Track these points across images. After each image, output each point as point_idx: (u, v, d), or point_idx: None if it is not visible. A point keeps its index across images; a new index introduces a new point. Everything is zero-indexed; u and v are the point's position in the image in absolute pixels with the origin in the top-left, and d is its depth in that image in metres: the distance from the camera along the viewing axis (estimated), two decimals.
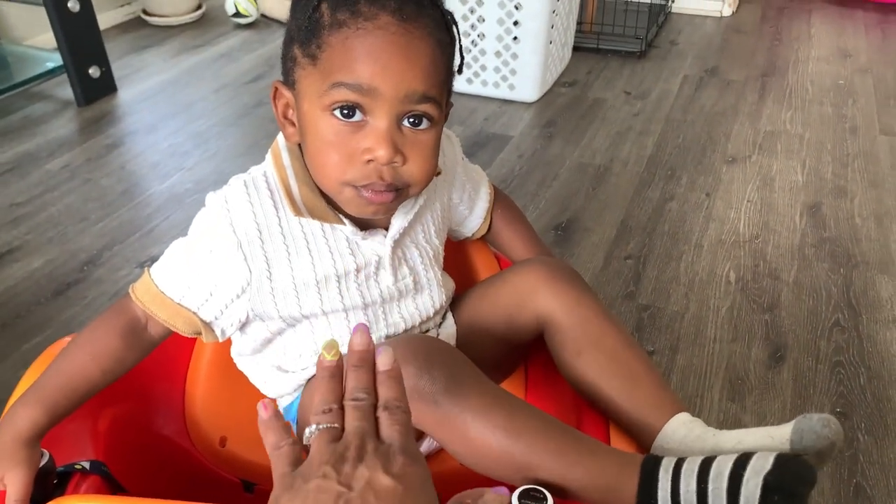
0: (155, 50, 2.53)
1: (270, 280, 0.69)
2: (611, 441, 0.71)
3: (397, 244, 0.73)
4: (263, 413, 0.48)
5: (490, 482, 0.62)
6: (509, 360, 0.85)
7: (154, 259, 0.71)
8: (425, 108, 0.63)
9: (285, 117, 0.68)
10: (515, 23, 2.07)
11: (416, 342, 0.66)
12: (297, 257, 0.69)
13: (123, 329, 0.69)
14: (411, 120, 0.63)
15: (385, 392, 0.49)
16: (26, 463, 0.62)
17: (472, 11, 2.10)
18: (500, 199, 0.89)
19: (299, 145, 0.69)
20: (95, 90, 2.13)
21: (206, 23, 2.77)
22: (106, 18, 2.61)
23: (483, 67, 2.16)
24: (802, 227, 1.62)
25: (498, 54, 2.13)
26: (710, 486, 0.60)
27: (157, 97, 2.20)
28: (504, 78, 2.16)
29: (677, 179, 1.80)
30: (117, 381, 0.70)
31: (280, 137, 0.71)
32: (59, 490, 0.64)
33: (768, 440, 0.65)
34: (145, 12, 2.73)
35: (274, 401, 0.54)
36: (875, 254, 1.53)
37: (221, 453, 0.85)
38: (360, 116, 0.62)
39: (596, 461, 0.63)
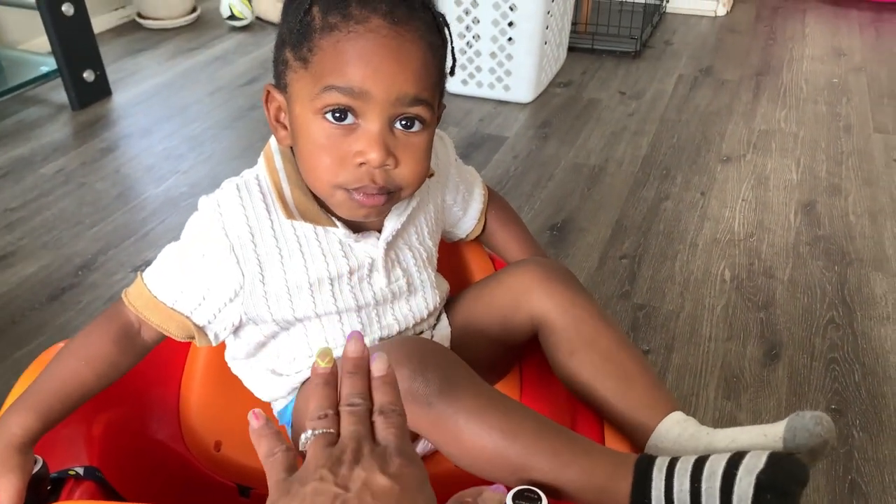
0: (149, 53, 2.53)
1: (263, 283, 0.69)
2: (605, 441, 0.71)
3: (390, 246, 0.73)
4: (255, 422, 0.48)
5: (485, 483, 0.63)
6: (504, 361, 0.85)
7: (149, 263, 0.71)
8: (417, 110, 0.63)
9: (277, 120, 0.68)
10: (510, 24, 2.08)
11: (409, 344, 0.66)
12: (289, 260, 0.69)
13: (117, 334, 0.69)
14: (403, 122, 0.63)
15: (380, 397, 0.49)
16: (19, 469, 0.61)
17: (466, 13, 2.10)
18: (494, 200, 0.89)
19: (291, 148, 0.69)
20: (90, 94, 2.13)
21: (201, 26, 2.77)
22: (100, 22, 2.60)
23: (478, 68, 2.16)
24: (797, 226, 1.62)
25: (493, 55, 2.13)
26: (704, 486, 0.60)
27: (152, 100, 2.20)
28: (499, 79, 2.16)
29: (672, 179, 1.80)
30: (111, 386, 0.70)
31: (272, 140, 0.71)
32: (53, 496, 0.64)
33: (762, 438, 0.65)
34: (140, 15, 2.73)
35: (266, 408, 0.55)
36: (869, 251, 1.53)
37: (216, 458, 0.85)
38: (352, 119, 0.62)
39: (590, 461, 0.63)
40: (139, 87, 2.27)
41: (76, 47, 2.05)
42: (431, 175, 0.73)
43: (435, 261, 0.80)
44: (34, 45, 2.39)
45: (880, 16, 2.85)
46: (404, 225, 0.74)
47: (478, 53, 2.14)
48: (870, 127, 2.04)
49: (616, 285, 1.44)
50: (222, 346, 0.78)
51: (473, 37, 2.13)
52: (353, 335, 0.51)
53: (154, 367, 0.82)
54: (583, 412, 0.75)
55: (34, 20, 2.04)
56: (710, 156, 1.91)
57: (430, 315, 0.78)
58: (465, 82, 2.19)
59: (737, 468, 0.59)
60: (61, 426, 0.67)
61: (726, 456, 0.61)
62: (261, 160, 0.71)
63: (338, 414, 0.48)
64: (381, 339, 0.74)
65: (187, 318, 0.69)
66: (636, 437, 0.71)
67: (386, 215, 0.72)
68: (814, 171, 1.83)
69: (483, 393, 0.65)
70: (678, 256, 1.52)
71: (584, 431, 0.71)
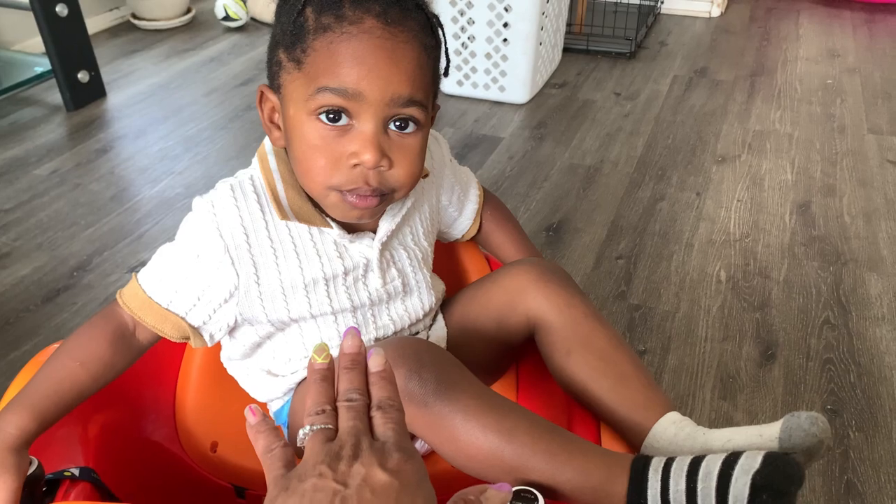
0: (144, 54, 2.53)
1: (258, 284, 0.68)
2: (601, 441, 0.71)
3: (385, 247, 0.73)
4: (251, 418, 0.48)
5: (482, 483, 0.62)
6: (500, 361, 0.85)
7: (144, 264, 0.71)
8: (411, 111, 0.63)
9: (271, 121, 0.68)
10: (505, 24, 2.08)
11: (405, 344, 0.66)
12: (284, 261, 0.69)
13: (112, 335, 0.69)
14: (397, 124, 0.63)
15: (378, 392, 0.49)
16: (14, 470, 0.61)
17: (461, 14, 2.10)
18: (489, 201, 0.89)
19: (286, 149, 0.69)
20: (84, 95, 2.12)
21: (196, 27, 2.77)
22: (95, 23, 2.60)
23: (473, 69, 2.16)
24: (792, 226, 1.62)
25: (488, 56, 2.13)
26: (700, 486, 0.60)
27: (147, 101, 2.19)
28: (494, 80, 2.16)
29: (667, 179, 1.80)
30: (107, 387, 0.70)
31: (267, 141, 0.71)
32: (49, 497, 0.64)
33: (757, 438, 0.65)
34: (134, 16, 2.73)
35: (262, 405, 0.54)
36: (864, 251, 1.54)
37: (212, 459, 0.84)
38: (346, 120, 0.62)
39: (586, 461, 0.63)
40: (134, 88, 2.27)
41: (70, 48, 2.04)
42: (426, 175, 0.73)
43: (430, 261, 0.80)
44: (28, 45, 2.39)
45: (873, 16, 2.86)
46: (399, 225, 0.74)
47: (473, 54, 2.14)
48: (864, 128, 2.04)
49: (612, 286, 1.44)
50: (218, 346, 0.78)
51: (468, 38, 2.13)
52: (350, 331, 0.51)
53: (149, 368, 0.82)
54: (579, 412, 0.75)
55: (28, 21, 2.03)
56: (705, 156, 1.91)
57: (425, 315, 0.78)
58: (460, 83, 2.19)
59: (732, 468, 0.59)
60: (57, 427, 0.67)
61: (722, 456, 0.61)
62: (255, 161, 0.71)
63: (335, 410, 0.48)
64: (376, 339, 0.74)
65: (182, 318, 0.68)
66: (632, 438, 0.71)
67: (380, 216, 0.72)
68: (808, 172, 1.83)
69: (479, 393, 0.65)
70: (674, 257, 1.52)
71: (581, 432, 0.71)
